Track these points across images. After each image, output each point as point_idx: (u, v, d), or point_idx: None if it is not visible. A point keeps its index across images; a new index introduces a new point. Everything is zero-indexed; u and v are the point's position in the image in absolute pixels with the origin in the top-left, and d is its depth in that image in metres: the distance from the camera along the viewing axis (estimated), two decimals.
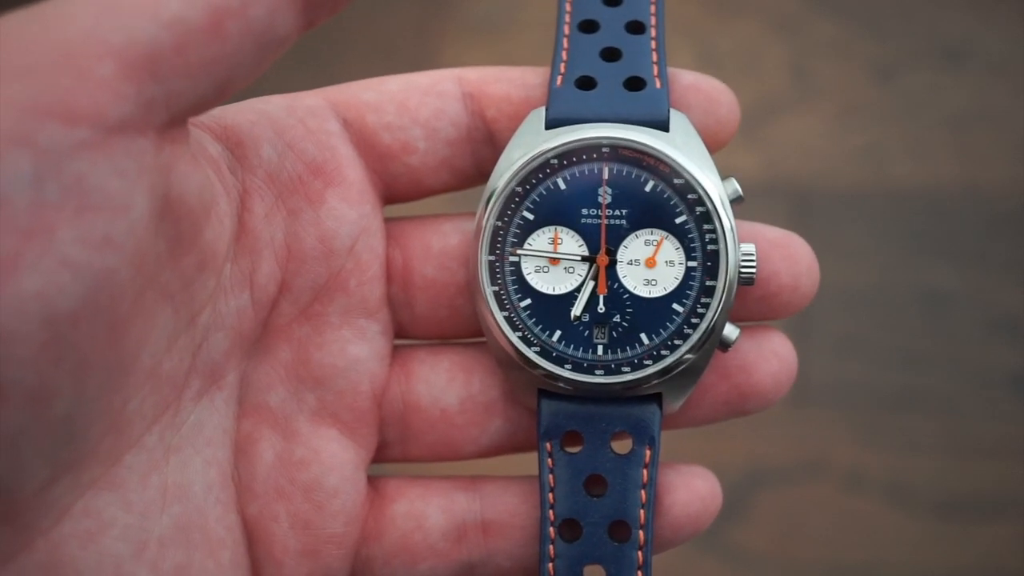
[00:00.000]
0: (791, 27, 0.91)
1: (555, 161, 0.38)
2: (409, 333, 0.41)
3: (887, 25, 0.90)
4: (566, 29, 0.40)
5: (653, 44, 0.40)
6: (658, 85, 0.39)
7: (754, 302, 0.40)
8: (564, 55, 0.40)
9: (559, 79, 0.39)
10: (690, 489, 0.39)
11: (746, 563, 0.78)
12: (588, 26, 0.40)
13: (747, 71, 0.90)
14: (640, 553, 0.38)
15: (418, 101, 0.39)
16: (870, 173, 0.86)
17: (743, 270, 0.38)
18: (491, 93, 0.39)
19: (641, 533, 0.38)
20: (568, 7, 0.41)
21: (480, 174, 0.40)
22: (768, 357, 0.40)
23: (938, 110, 0.88)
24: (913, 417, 0.81)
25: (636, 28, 0.40)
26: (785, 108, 0.88)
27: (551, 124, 0.38)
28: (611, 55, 0.39)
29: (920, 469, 0.79)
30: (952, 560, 0.77)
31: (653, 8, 0.40)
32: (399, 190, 0.40)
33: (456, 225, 0.40)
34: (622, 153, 0.38)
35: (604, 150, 0.38)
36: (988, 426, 0.80)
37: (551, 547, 0.38)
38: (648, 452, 0.38)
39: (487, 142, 0.40)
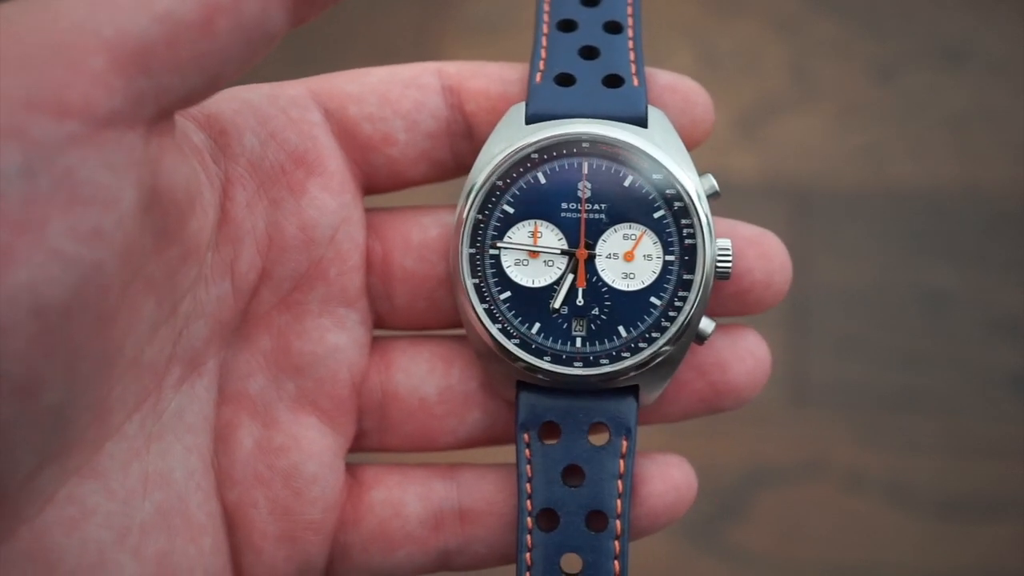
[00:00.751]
0: (791, 27, 0.91)
1: (535, 156, 0.39)
2: (388, 324, 0.41)
3: (887, 25, 0.90)
4: (544, 28, 0.41)
5: (631, 44, 0.41)
6: (636, 83, 0.40)
7: (728, 298, 0.40)
8: (543, 53, 0.41)
9: (538, 76, 0.40)
10: (666, 479, 0.40)
11: (746, 563, 0.78)
12: (566, 25, 0.41)
13: (747, 71, 0.90)
14: (617, 543, 0.39)
15: (399, 93, 0.39)
16: (870, 173, 0.86)
17: (719, 265, 0.39)
18: (470, 88, 0.40)
19: (618, 523, 0.39)
20: (547, 7, 0.41)
21: (459, 167, 0.41)
22: (743, 356, 0.41)
23: (938, 110, 0.88)
24: (913, 417, 0.81)
25: (613, 28, 0.41)
26: (785, 108, 0.88)
27: (531, 119, 0.39)
28: (589, 53, 0.40)
29: (920, 469, 0.79)
30: (952, 560, 0.77)
31: (630, 9, 0.41)
32: (379, 181, 0.40)
33: (436, 218, 0.41)
34: (601, 148, 0.39)
35: (584, 145, 0.39)
36: (988, 426, 0.80)
37: (528, 536, 0.39)
38: (625, 443, 0.39)
39: (466, 136, 0.40)
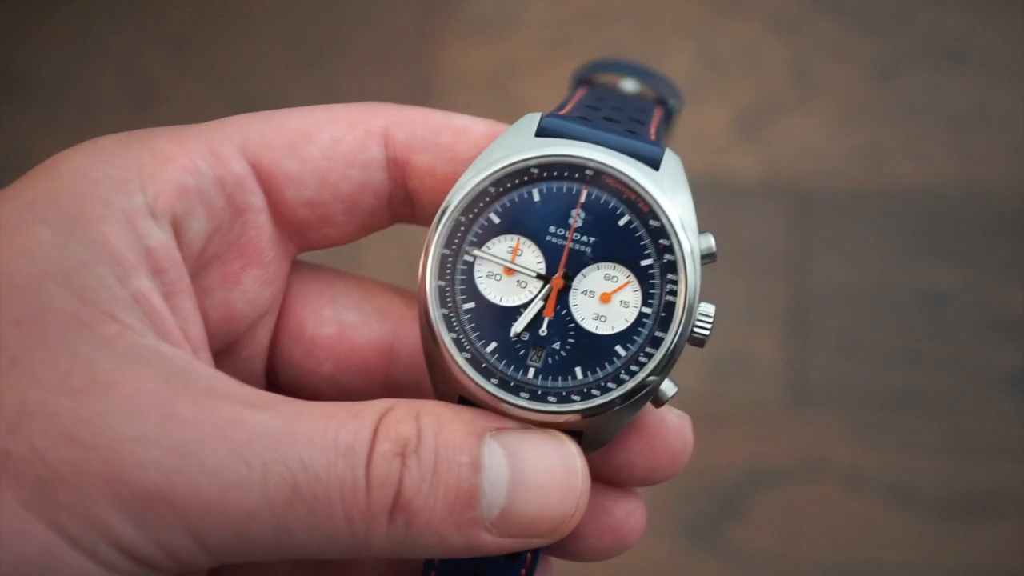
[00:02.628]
0: (791, 27, 0.91)
1: (535, 171, 0.37)
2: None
3: (887, 25, 0.90)
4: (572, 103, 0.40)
5: (653, 130, 0.40)
6: (653, 138, 0.38)
7: (612, 469, 0.39)
8: (568, 107, 0.39)
9: (559, 112, 0.39)
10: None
11: (746, 563, 0.78)
12: (594, 108, 0.40)
13: (747, 71, 0.89)
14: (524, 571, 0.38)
15: (340, 174, 0.37)
16: (870, 173, 0.86)
17: (696, 331, 0.36)
18: (416, 164, 0.38)
19: (528, 555, 0.38)
20: (579, 98, 0.40)
21: (397, 223, 0.40)
22: (601, 531, 0.39)
23: (938, 110, 0.88)
24: (913, 417, 0.81)
25: (640, 120, 0.40)
26: (785, 108, 0.88)
27: (543, 132, 0.37)
28: (611, 120, 0.39)
29: (920, 469, 0.79)
30: (952, 560, 0.77)
31: (656, 122, 0.40)
32: (311, 246, 0.39)
33: (336, 313, 0.40)
34: (605, 180, 0.37)
35: (587, 172, 0.37)
36: (988, 426, 0.80)
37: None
38: None
39: (407, 204, 0.39)
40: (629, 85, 0.49)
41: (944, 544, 0.77)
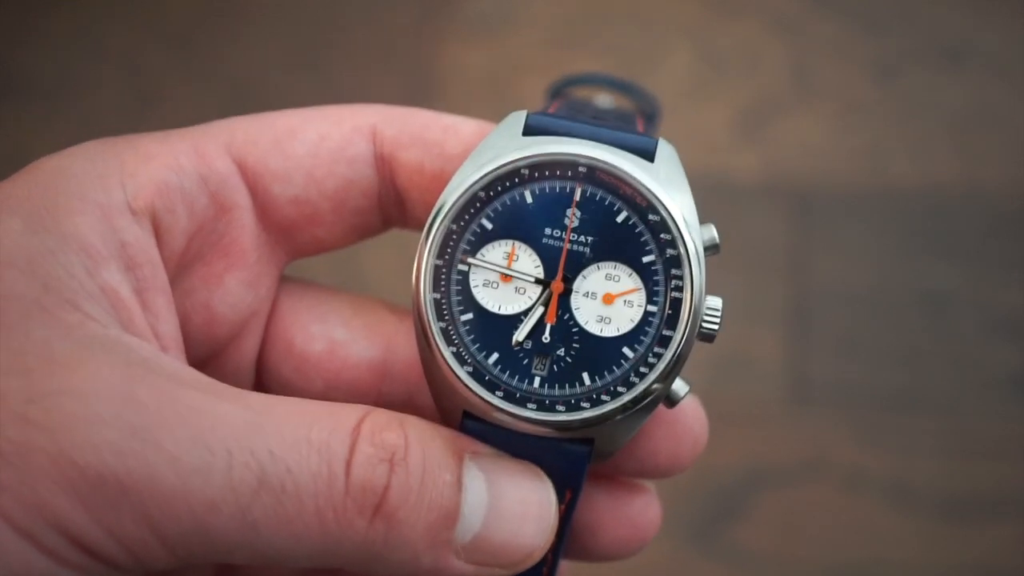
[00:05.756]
0: (791, 27, 0.91)
1: (525, 171, 0.35)
2: None
3: (887, 25, 0.90)
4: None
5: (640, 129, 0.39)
6: (641, 130, 0.38)
7: (628, 462, 0.39)
8: (551, 108, 0.39)
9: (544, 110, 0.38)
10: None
11: (746, 563, 0.78)
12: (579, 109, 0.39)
13: (747, 71, 0.89)
14: None
15: (326, 170, 0.37)
16: (870, 173, 0.86)
17: (705, 326, 0.35)
18: (404, 161, 0.37)
19: (544, 570, 0.37)
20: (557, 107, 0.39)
21: (389, 227, 0.39)
22: (620, 521, 0.39)
23: (938, 110, 0.88)
24: (913, 417, 0.81)
25: (625, 121, 0.39)
26: (785, 108, 0.88)
27: (530, 130, 0.36)
28: (598, 119, 0.39)
29: (920, 469, 0.79)
30: (952, 560, 0.77)
31: (640, 126, 0.39)
32: (302, 252, 0.39)
33: (325, 329, 0.39)
34: (599, 176, 0.35)
35: (580, 169, 0.35)
36: (988, 426, 0.80)
37: None
38: (568, 495, 0.36)
39: (397, 205, 0.38)
40: (604, 100, 0.48)
41: (944, 544, 0.77)
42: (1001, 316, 0.82)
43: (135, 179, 0.34)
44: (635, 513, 0.39)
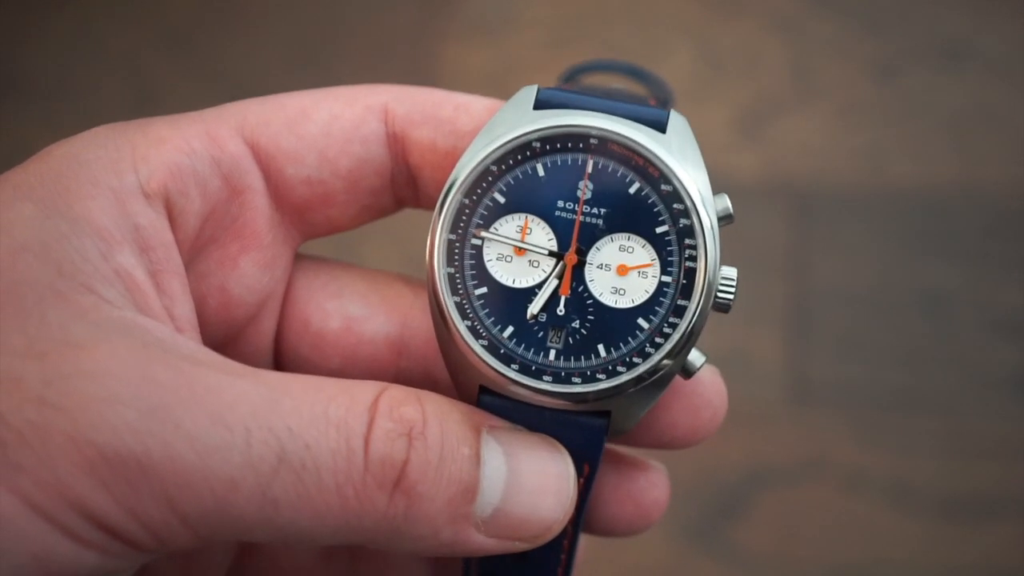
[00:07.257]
0: (791, 27, 0.91)
1: (537, 144, 0.35)
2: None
3: (887, 25, 0.90)
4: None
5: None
6: (652, 104, 0.38)
7: (644, 435, 0.39)
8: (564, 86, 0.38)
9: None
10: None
11: (746, 563, 0.78)
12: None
13: (747, 71, 0.89)
14: (564, 555, 0.37)
15: (339, 150, 0.37)
16: (870, 173, 0.86)
17: (720, 296, 0.35)
18: (416, 139, 0.37)
19: (565, 542, 0.37)
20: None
21: (402, 207, 0.39)
22: (622, 500, 0.39)
23: (938, 110, 0.88)
24: (913, 417, 0.81)
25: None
26: (785, 108, 0.88)
27: (541, 104, 0.36)
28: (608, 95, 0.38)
29: (920, 469, 0.79)
30: (952, 560, 0.77)
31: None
32: (316, 232, 0.39)
33: (341, 305, 0.39)
34: (610, 148, 0.35)
35: (592, 141, 0.35)
36: (988, 426, 0.80)
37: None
38: (586, 468, 0.36)
39: (410, 184, 0.38)
40: (616, 87, 0.48)
41: (944, 544, 0.77)
42: (1001, 316, 0.82)
43: (147, 163, 0.34)
44: (639, 491, 0.39)
